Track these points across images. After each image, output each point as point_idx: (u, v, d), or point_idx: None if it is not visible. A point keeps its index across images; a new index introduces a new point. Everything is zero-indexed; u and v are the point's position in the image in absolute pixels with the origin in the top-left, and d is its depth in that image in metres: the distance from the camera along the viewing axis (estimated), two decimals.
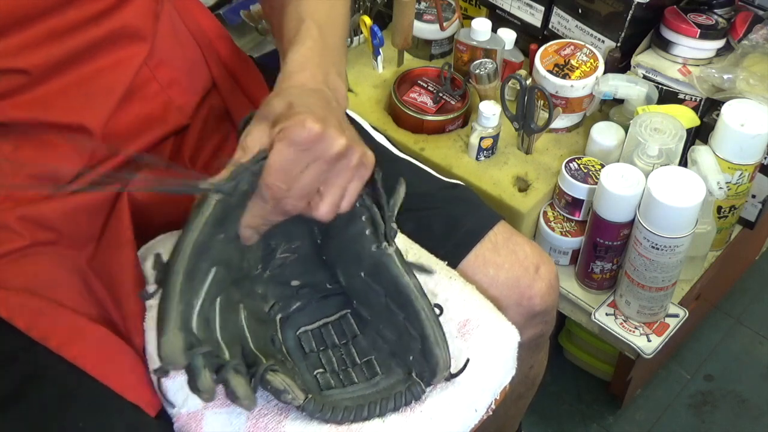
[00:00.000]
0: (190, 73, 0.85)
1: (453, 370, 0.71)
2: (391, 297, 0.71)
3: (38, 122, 0.74)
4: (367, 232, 0.71)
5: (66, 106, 0.74)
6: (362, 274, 0.72)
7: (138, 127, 0.80)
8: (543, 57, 1.20)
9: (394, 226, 0.71)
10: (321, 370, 0.74)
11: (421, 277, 0.73)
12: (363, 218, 0.71)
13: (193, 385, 0.61)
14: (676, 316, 1.14)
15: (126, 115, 0.78)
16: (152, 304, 0.73)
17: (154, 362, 0.71)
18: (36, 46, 0.71)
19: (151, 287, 0.65)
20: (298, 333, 0.76)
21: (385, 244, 0.70)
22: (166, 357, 0.60)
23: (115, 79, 0.77)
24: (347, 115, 0.97)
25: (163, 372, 0.62)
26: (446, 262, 0.83)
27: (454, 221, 0.86)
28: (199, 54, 0.87)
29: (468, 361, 0.73)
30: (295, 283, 0.76)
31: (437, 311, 0.71)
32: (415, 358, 0.71)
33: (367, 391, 0.72)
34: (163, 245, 0.77)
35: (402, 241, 0.83)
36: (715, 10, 1.19)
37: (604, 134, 1.16)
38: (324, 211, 0.66)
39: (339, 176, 0.65)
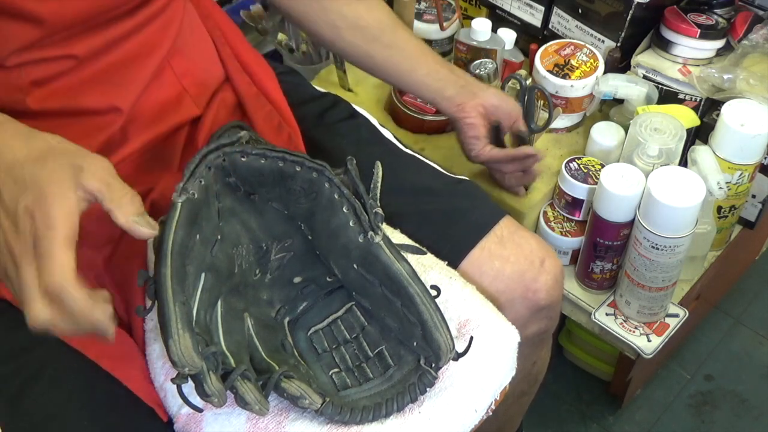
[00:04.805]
0: (203, 64, 0.86)
1: (452, 369, 0.71)
2: (385, 285, 0.71)
3: (71, 109, 0.75)
4: (351, 223, 0.70)
5: (100, 91, 0.76)
6: (354, 266, 0.72)
7: (154, 114, 0.81)
8: (543, 57, 1.20)
9: (379, 211, 0.71)
10: (336, 369, 0.73)
11: (422, 275, 0.73)
12: (344, 209, 0.71)
13: (201, 391, 0.61)
14: (676, 316, 1.14)
15: (144, 103, 0.79)
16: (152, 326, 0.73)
17: (158, 375, 0.71)
18: (80, 36, 0.72)
19: (148, 303, 0.64)
20: (309, 334, 0.76)
21: (371, 233, 0.70)
22: (178, 360, 0.59)
23: (144, 64, 0.79)
24: (354, 108, 0.99)
25: (182, 378, 0.60)
26: (448, 262, 0.83)
27: (460, 215, 0.87)
28: (213, 47, 0.88)
29: (472, 339, 0.72)
30: (297, 279, 0.76)
31: (434, 293, 0.70)
32: (419, 344, 0.70)
33: (383, 386, 0.71)
34: None
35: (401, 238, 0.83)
36: (715, 10, 1.19)
37: (604, 134, 1.16)
38: None
39: None
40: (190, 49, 0.84)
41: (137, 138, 0.79)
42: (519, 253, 0.86)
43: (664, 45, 1.19)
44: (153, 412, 0.70)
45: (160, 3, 0.79)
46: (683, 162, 1.11)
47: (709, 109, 1.17)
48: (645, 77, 1.19)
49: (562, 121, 1.23)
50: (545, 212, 1.18)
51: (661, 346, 1.11)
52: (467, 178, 0.93)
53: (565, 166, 1.12)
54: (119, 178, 0.60)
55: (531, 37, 1.31)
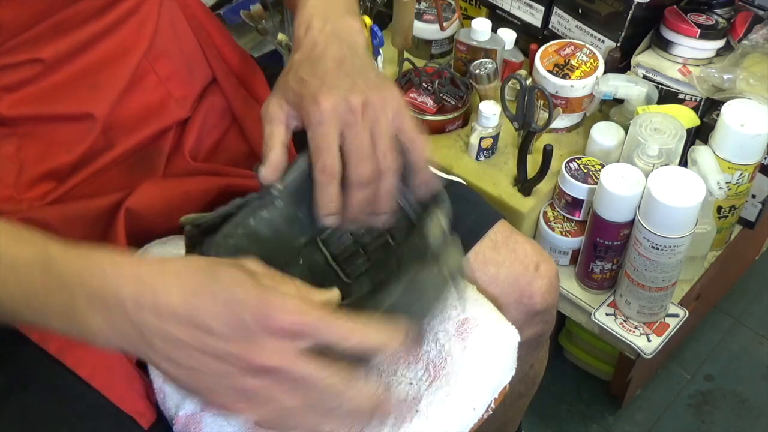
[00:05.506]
0: (188, 66, 0.85)
1: (450, 368, 0.71)
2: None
3: (46, 115, 0.74)
4: None
5: (74, 95, 0.74)
6: None
7: (138, 118, 0.80)
8: (543, 57, 1.20)
9: None
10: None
11: None
12: None
13: None
14: (676, 316, 1.14)
15: (126, 107, 0.78)
16: None
17: (157, 377, 0.71)
18: (46, 39, 0.71)
19: None
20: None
21: None
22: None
23: (120, 67, 0.77)
24: None
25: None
26: None
27: (453, 219, 0.86)
28: (198, 48, 0.87)
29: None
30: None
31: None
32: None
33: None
34: (157, 249, 0.77)
35: None
36: (715, 10, 1.20)
37: (604, 134, 1.16)
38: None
39: (376, 126, 0.68)
40: (174, 51, 0.83)
41: (121, 143, 0.78)
42: (513, 258, 0.85)
43: (664, 45, 1.19)
44: (133, 420, 0.69)
45: (131, 3, 0.77)
46: (683, 162, 1.11)
47: (709, 109, 1.17)
48: (645, 77, 1.19)
49: (562, 121, 1.23)
50: (545, 212, 1.18)
51: (661, 346, 1.11)
52: (461, 181, 0.92)
53: (565, 166, 1.12)
54: None
55: (531, 37, 1.31)
